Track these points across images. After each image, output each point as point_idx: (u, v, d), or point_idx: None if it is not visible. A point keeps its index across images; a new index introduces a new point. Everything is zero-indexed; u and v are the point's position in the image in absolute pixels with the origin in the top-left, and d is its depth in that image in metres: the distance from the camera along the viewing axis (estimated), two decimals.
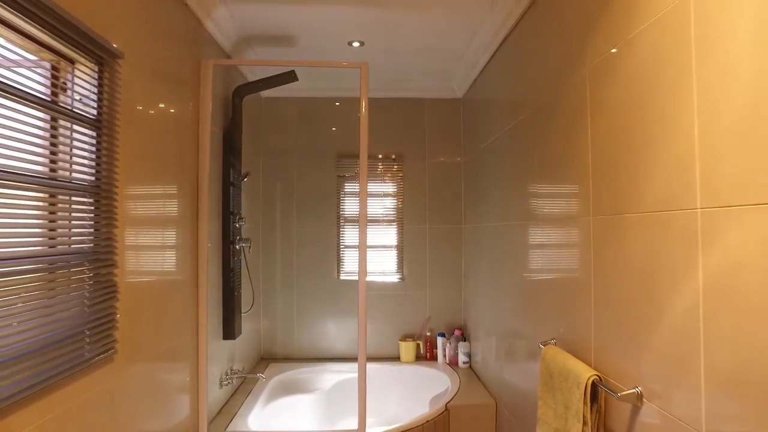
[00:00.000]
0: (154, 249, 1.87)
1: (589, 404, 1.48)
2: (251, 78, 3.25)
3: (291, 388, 3.25)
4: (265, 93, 3.68)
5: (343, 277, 3.73)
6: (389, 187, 3.81)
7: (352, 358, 3.60)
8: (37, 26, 1.23)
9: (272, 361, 3.61)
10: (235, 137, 2.76)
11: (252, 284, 3.16)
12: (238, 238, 2.76)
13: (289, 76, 2.73)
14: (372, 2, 2.38)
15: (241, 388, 3.03)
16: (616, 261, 1.43)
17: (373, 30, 2.72)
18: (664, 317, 1.20)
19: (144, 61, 1.77)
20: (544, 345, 1.85)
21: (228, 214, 2.68)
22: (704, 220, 1.05)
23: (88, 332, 1.38)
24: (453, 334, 3.60)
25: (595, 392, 1.49)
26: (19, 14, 1.17)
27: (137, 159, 1.72)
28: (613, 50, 1.45)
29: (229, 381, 2.77)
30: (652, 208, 1.25)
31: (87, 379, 1.41)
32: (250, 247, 2.90)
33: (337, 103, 3.79)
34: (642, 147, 1.29)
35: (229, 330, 2.68)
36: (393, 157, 3.80)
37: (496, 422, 2.76)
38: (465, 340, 3.52)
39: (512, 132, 2.45)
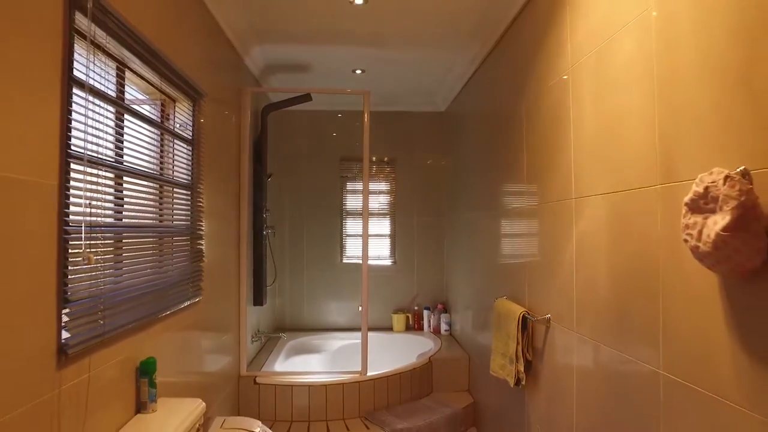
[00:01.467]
0: (212, 235, 2.57)
1: (520, 330, 2.21)
2: (273, 98, 3.95)
3: (304, 350, 3.97)
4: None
5: (345, 261, 4.46)
6: (383, 186, 4.55)
7: (352, 329, 4.31)
8: (159, 77, 1.93)
9: (286, 331, 4.32)
10: (263, 146, 3.46)
11: (275, 263, 3.87)
12: (265, 225, 3.47)
13: (306, 98, 3.45)
14: (372, 43, 3.10)
15: (264, 348, 3.74)
16: (540, 237, 2.17)
17: (373, 61, 3.44)
18: (560, 269, 1.94)
19: (212, 93, 2.48)
20: (497, 299, 2.59)
21: (258, 207, 3.38)
22: (576, 205, 1.79)
23: (190, 279, 2.09)
24: (437, 307, 4.33)
25: (525, 323, 2.23)
26: (151, 69, 1.86)
27: (206, 165, 2.43)
28: (542, 89, 2.19)
29: (258, 339, 3.48)
30: (554, 198, 1.99)
31: (188, 312, 2.12)
32: (274, 233, 3.60)
33: (339, 115, 4.51)
34: (551, 158, 2.03)
35: (258, 298, 3.39)
36: (386, 160, 4.53)
37: (469, 369, 3.50)
38: (446, 313, 4.25)
39: (483, 141, 3.19)
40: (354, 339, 4.08)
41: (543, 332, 2.11)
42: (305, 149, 4.47)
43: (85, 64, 1.30)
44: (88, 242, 1.29)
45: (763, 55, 0.95)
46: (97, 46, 1.35)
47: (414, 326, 4.37)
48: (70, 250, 1.23)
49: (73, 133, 1.25)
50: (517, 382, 2.23)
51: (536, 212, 2.20)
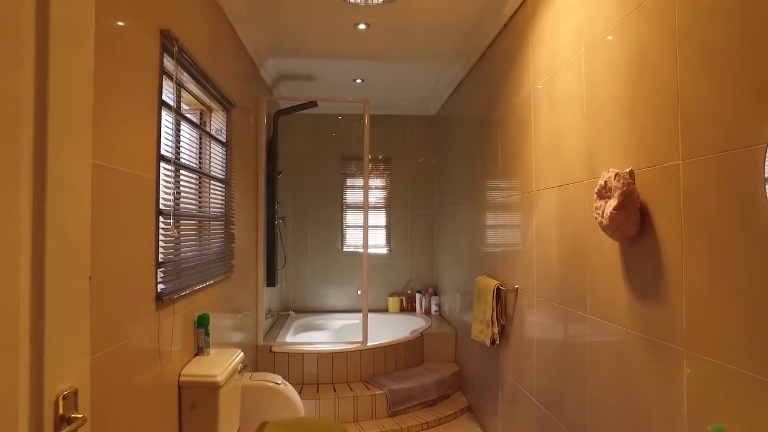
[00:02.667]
0: (237, 222, 3.04)
1: (495, 299, 2.71)
2: (282, 103, 4.42)
3: (309, 327, 4.46)
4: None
5: (345, 249, 4.94)
6: (380, 182, 5.03)
7: (352, 311, 4.80)
8: (206, 93, 2.39)
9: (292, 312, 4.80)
10: (274, 146, 3.93)
11: (284, 250, 4.35)
12: (276, 216, 3.94)
13: (313, 104, 3.92)
14: (372, 58, 3.57)
15: (275, 325, 4.22)
16: (511, 223, 2.67)
17: (372, 72, 3.92)
18: (525, 248, 2.43)
19: (239, 102, 2.94)
20: (478, 276, 3.09)
21: (270, 200, 3.85)
22: (536, 195, 2.29)
23: (225, 257, 2.57)
24: (427, 291, 4.83)
25: (499, 294, 2.72)
26: (202, 88, 2.32)
27: (235, 163, 2.89)
28: (512, 103, 2.68)
29: (270, 315, 3.96)
30: (520, 191, 2.48)
31: (223, 284, 2.59)
32: (284, 223, 4.07)
33: (340, 118, 4.98)
34: (519, 159, 2.52)
35: (271, 280, 3.86)
36: (381, 158, 5.01)
37: (456, 343, 4.00)
38: (436, 295, 4.75)
39: (467, 142, 3.68)
40: (353, 319, 4.56)
41: (513, 300, 2.61)
42: (309, 149, 4.94)
43: (172, 91, 1.77)
44: (172, 221, 1.76)
45: (640, 94, 1.44)
46: (176, 78, 1.82)
47: (407, 308, 4.86)
48: (161, 226, 1.70)
49: (162, 141, 1.72)
50: (493, 342, 2.72)
51: (508, 204, 2.69)
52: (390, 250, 4.99)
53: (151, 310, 1.63)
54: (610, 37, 1.61)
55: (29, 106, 0.75)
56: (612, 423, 1.60)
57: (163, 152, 1.73)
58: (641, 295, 1.44)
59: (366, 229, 3.69)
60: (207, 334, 2.10)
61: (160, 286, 1.68)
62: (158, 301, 1.66)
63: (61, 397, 0.79)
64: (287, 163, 4.83)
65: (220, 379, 1.90)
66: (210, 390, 1.88)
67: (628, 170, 1.48)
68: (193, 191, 2.25)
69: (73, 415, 0.81)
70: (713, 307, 1.14)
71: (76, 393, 0.83)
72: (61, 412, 0.79)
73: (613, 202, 1.44)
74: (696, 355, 1.20)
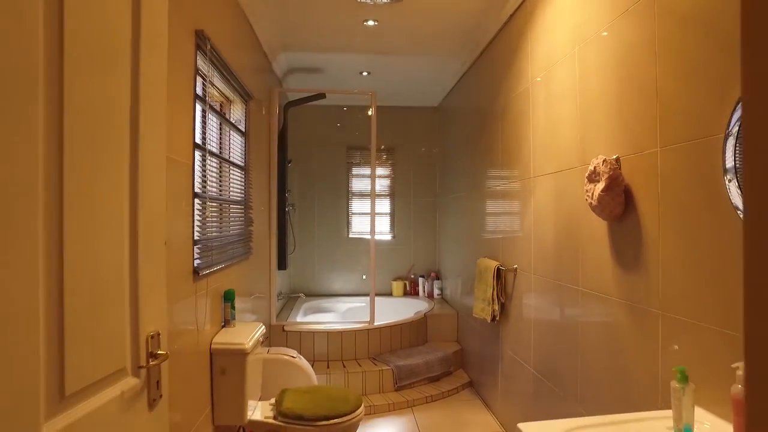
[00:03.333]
0: (254, 208, 3.22)
1: (495, 279, 2.91)
2: (291, 95, 4.58)
3: (317, 310, 4.67)
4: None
5: (351, 235, 5.14)
6: (384, 171, 5.21)
7: (357, 294, 5.00)
8: (229, 87, 2.57)
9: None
10: (284, 136, 4.10)
11: (294, 235, 4.54)
12: (286, 203, 4.13)
13: (321, 96, 4.09)
14: (379, 52, 3.74)
15: (285, 307, 4.42)
16: (510, 208, 2.86)
17: (377, 65, 4.08)
18: (523, 230, 2.62)
19: (255, 94, 3.11)
20: (479, 258, 3.29)
21: (281, 187, 4.03)
22: (534, 182, 2.48)
23: (245, 239, 2.76)
24: (430, 275, 5.03)
25: (499, 274, 2.92)
26: (226, 81, 2.50)
27: (252, 152, 3.07)
28: (512, 95, 2.86)
29: (281, 298, 4.16)
30: (520, 178, 2.67)
31: (243, 264, 2.78)
32: (294, 210, 4.26)
33: (345, 109, 5.15)
34: (517, 147, 2.71)
35: (282, 263, 4.06)
36: (383, 147, 5.19)
37: (457, 323, 4.21)
38: (438, 279, 4.96)
39: (470, 132, 3.86)
40: (359, 302, 4.77)
41: (512, 279, 2.81)
42: (316, 139, 5.12)
43: (202, 85, 1.96)
44: (205, 203, 1.95)
45: (626, 89, 1.63)
46: (208, 74, 2.00)
47: (411, 292, 5.07)
48: (196, 208, 1.89)
49: (196, 130, 1.91)
50: (493, 318, 2.93)
51: (508, 190, 2.88)
52: (394, 237, 5.19)
53: (190, 282, 1.82)
54: (604, 33, 1.79)
55: (126, 105, 0.94)
56: (601, 381, 1.80)
57: (196, 141, 1.91)
58: (625, 267, 1.64)
59: (373, 216, 3.88)
60: (233, 307, 2.30)
61: (197, 262, 1.87)
62: (195, 274, 1.86)
63: (149, 336, 0.99)
64: (296, 152, 5.01)
65: (247, 346, 2.10)
66: (239, 356, 2.09)
67: (614, 157, 1.67)
68: (219, 177, 2.43)
69: (158, 352, 1.01)
70: (683, 274, 1.34)
71: (158, 335, 1.03)
72: (150, 349, 0.99)
73: (601, 185, 1.63)
74: (669, 315, 1.40)
